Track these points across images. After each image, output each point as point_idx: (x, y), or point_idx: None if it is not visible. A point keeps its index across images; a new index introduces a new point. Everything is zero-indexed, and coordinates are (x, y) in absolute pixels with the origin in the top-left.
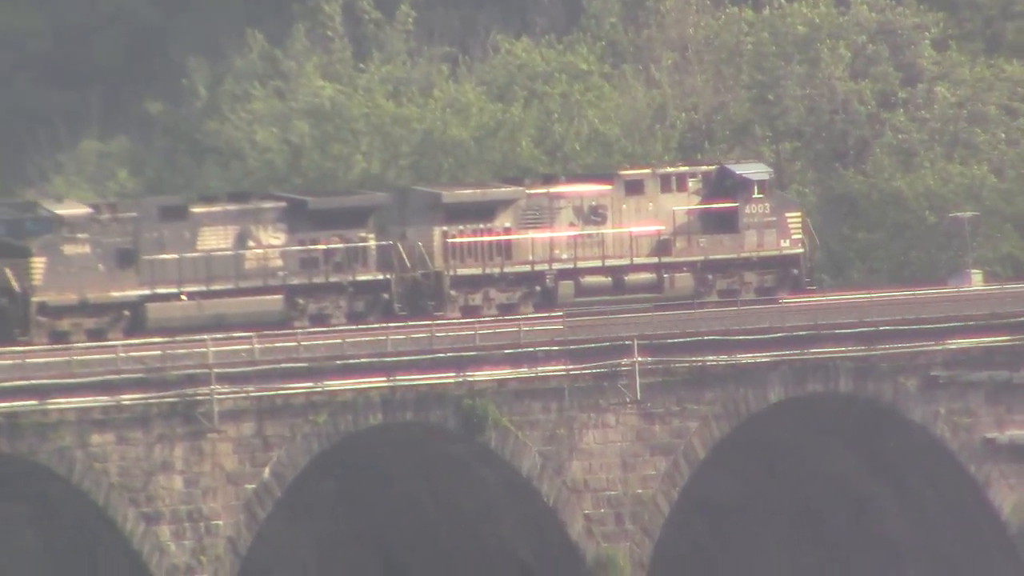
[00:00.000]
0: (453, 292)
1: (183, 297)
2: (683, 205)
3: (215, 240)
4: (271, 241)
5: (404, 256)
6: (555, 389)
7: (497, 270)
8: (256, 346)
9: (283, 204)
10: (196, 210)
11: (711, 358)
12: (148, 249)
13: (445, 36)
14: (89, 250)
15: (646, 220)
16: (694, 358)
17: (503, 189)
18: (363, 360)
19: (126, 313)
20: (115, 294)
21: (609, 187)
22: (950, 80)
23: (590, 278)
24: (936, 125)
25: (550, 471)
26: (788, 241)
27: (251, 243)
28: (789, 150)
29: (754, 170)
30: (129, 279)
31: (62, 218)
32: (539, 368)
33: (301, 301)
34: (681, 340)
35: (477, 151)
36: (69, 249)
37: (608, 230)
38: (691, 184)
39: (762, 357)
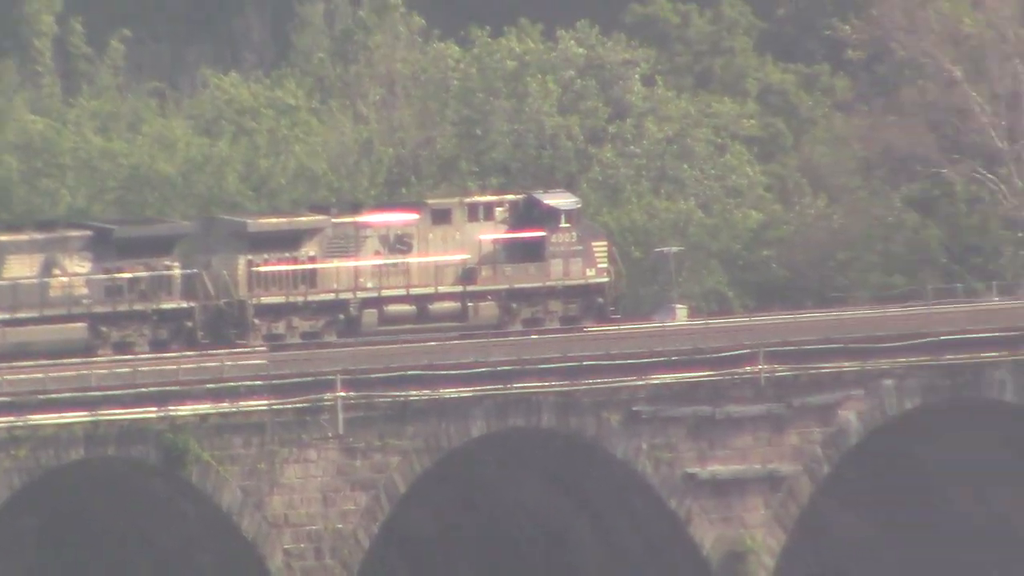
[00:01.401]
0: (256, 320)
1: None
2: (490, 234)
3: (20, 268)
4: (76, 269)
5: (208, 285)
6: (257, 424)
7: (301, 299)
8: None
9: (89, 233)
10: (1, 239)
11: (414, 393)
12: None
13: (154, 71)
14: None
15: (452, 249)
16: (397, 393)
17: (309, 218)
18: (66, 395)
19: None
20: None
21: (416, 216)
22: (658, 115)
23: (394, 307)
24: (643, 160)
25: (250, 506)
26: (594, 270)
27: (56, 271)
28: (496, 185)
29: (562, 200)
30: None
31: None
32: (241, 403)
33: (105, 329)
34: (384, 375)
35: (184, 186)
36: None
37: (413, 259)
38: (498, 213)
39: (465, 392)
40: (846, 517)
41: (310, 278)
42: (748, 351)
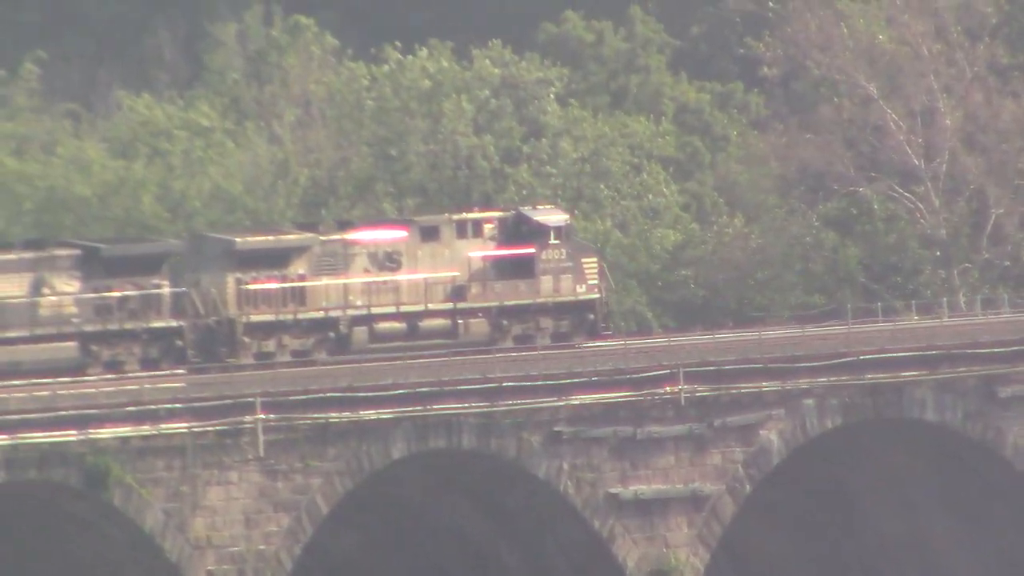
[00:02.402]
0: (246, 338)
1: None
2: (479, 251)
3: (9, 287)
4: (66, 288)
5: (198, 303)
6: (178, 446)
7: (291, 316)
8: None
9: (77, 252)
10: None
11: (334, 415)
12: None
13: (68, 92)
14: None
15: (442, 266)
16: (317, 415)
17: (297, 236)
18: None
19: None
20: None
21: (405, 233)
22: (573, 135)
23: (384, 324)
24: (559, 180)
25: (173, 528)
26: (584, 286)
27: (46, 290)
28: (412, 206)
29: (551, 216)
30: None
31: None
32: (161, 425)
33: (95, 348)
34: (304, 397)
35: (100, 208)
36: None
37: (403, 276)
38: (487, 230)
39: (385, 413)
40: (768, 536)
41: (299, 296)
42: (668, 371)
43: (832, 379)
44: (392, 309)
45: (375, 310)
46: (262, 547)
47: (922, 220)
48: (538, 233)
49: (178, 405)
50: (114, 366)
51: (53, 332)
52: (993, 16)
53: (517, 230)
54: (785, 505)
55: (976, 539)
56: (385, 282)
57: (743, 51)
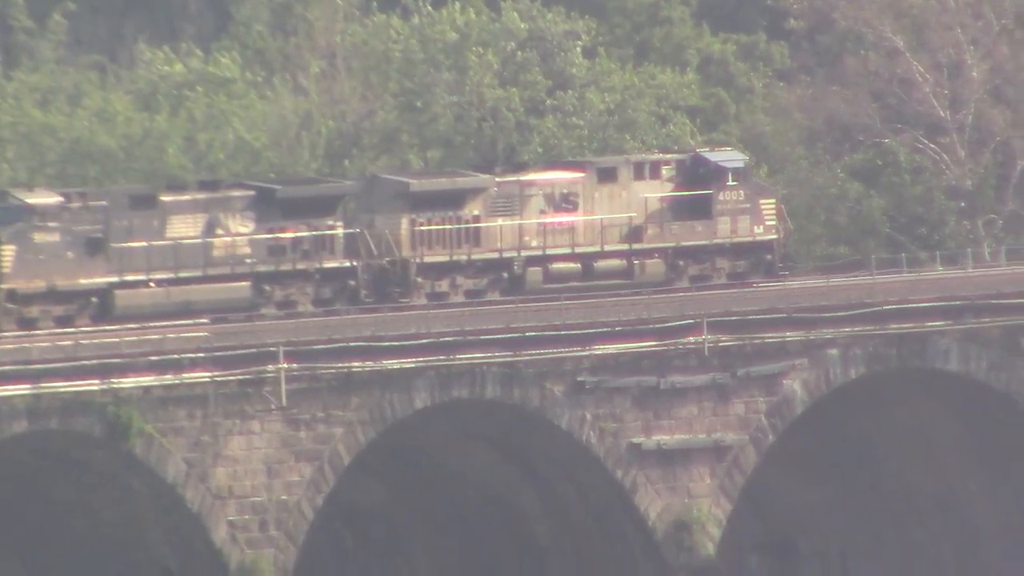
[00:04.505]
0: (419, 279)
1: (151, 284)
2: (656, 192)
3: (184, 228)
4: (239, 229)
5: (371, 244)
6: (200, 396)
7: (464, 257)
8: None
9: (252, 193)
10: (165, 199)
11: (356, 364)
12: (117, 237)
13: (93, 44)
14: (59, 238)
15: (618, 207)
16: (340, 364)
17: (472, 177)
18: (7, 367)
19: (94, 300)
20: (83, 281)
21: (581, 175)
22: (600, 87)
23: (559, 265)
24: (585, 132)
25: (194, 478)
26: (762, 227)
27: (219, 231)
28: (437, 158)
29: (729, 157)
30: (98, 267)
31: (33, 207)
32: (184, 375)
33: (268, 288)
34: (327, 347)
35: (124, 159)
36: (39, 237)
37: (579, 217)
38: (664, 172)
39: (408, 363)
40: (791, 486)
41: (473, 237)
42: (692, 321)
43: (856, 329)
44: (567, 250)
45: (550, 251)
46: (284, 497)
47: (947, 171)
48: (716, 175)
49: (200, 355)
50: (287, 306)
51: (227, 272)
52: None
53: (695, 172)
54: (808, 455)
55: (999, 489)
56: (561, 223)
57: (770, 2)
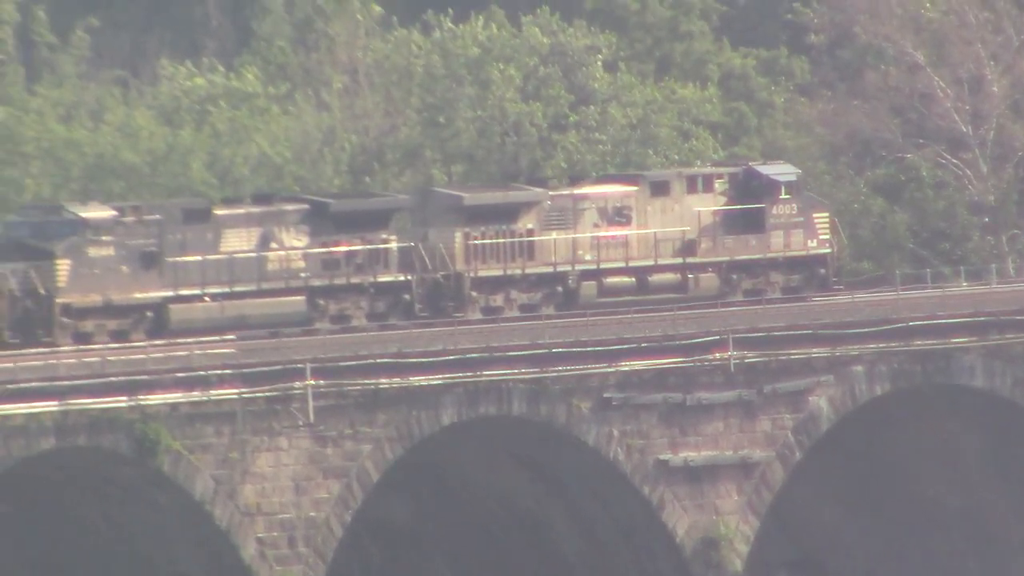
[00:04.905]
0: (474, 293)
1: (206, 299)
2: (709, 206)
3: (238, 242)
4: (293, 243)
5: (425, 257)
6: (228, 413)
7: (519, 271)
8: None
9: (305, 206)
10: (219, 212)
11: (384, 381)
12: (171, 251)
13: (116, 60)
14: (113, 252)
15: (671, 221)
16: (367, 381)
17: (526, 191)
18: (35, 384)
19: (149, 314)
20: (138, 295)
21: (635, 188)
22: (622, 102)
23: (613, 279)
24: (608, 147)
25: (223, 495)
26: (816, 241)
27: (274, 245)
28: (460, 173)
29: (782, 171)
30: (152, 281)
31: (87, 221)
32: (212, 392)
33: (322, 302)
34: (354, 363)
35: (149, 175)
36: (93, 251)
37: (632, 231)
38: (717, 185)
39: (435, 380)
40: (819, 503)
41: (528, 251)
42: (718, 337)
43: (881, 345)
44: (621, 264)
45: (604, 265)
46: (312, 514)
47: (970, 186)
48: (769, 188)
49: (228, 371)
50: (341, 320)
51: (281, 286)
52: None
53: (747, 185)
54: (835, 472)
55: None
56: (614, 237)
57: (791, 16)
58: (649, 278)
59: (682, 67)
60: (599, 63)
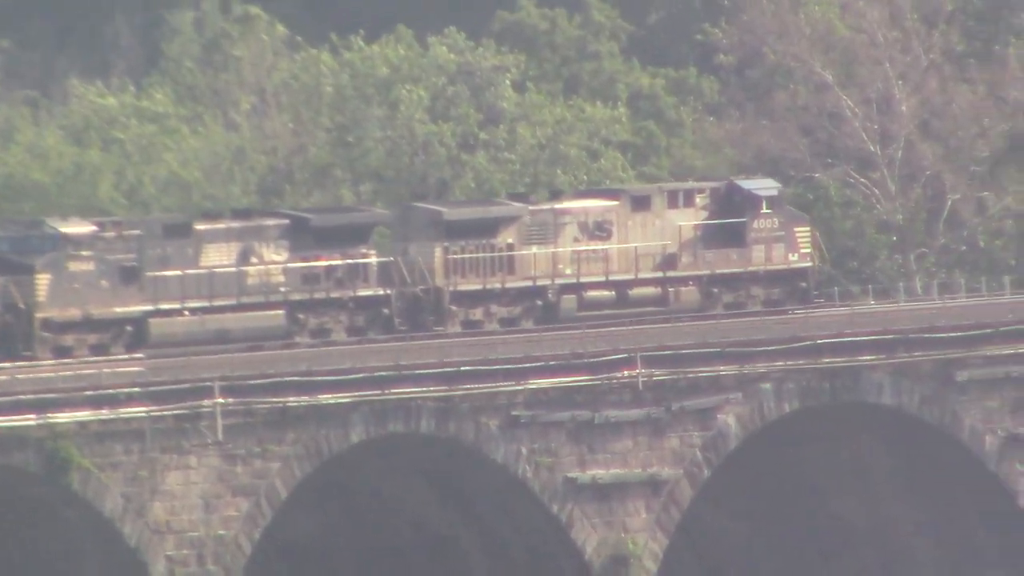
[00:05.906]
0: (453, 307)
1: (185, 313)
2: (690, 220)
3: (218, 256)
4: (273, 257)
5: (405, 272)
6: (137, 431)
7: (498, 285)
8: None
9: (285, 221)
10: (199, 227)
11: (292, 399)
12: (152, 266)
13: (27, 79)
14: (93, 267)
15: (652, 235)
16: (275, 399)
17: (506, 206)
18: None
19: (129, 329)
20: (118, 310)
21: (615, 203)
22: (531, 121)
23: (593, 292)
24: (517, 166)
25: (132, 512)
26: (797, 255)
27: (254, 259)
28: (369, 192)
29: (763, 185)
30: (132, 295)
31: (67, 236)
32: (120, 410)
33: (302, 316)
34: (263, 381)
35: (57, 195)
36: (73, 266)
37: (612, 245)
38: (698, 200)
39: (344, 398)
40: (727, 521)
41: (508, 265)
42: (626, 355)
43: (789, 363)
44: (602, 278)
45: (584, 279)
46: (221, 532)
47: (878, 206)
48: (750, 203)
49: (136, 389)
50: (321, 334)
51: (261, 300)
52: (948, 3)
53: (729, 200)
54: (743, 489)
55: (934, 523)
56: (595, 251)
57: (700, 37)
58: (629, 292)
59: (591, 86)
60: (508, 83)
